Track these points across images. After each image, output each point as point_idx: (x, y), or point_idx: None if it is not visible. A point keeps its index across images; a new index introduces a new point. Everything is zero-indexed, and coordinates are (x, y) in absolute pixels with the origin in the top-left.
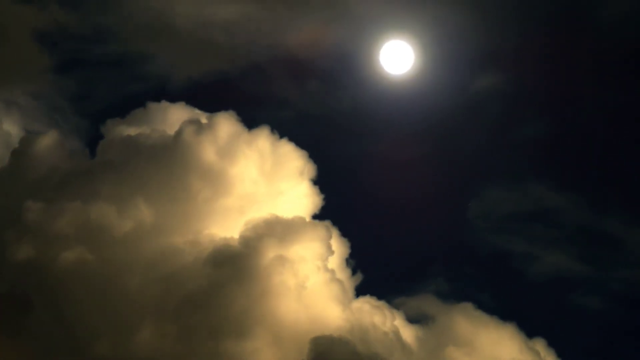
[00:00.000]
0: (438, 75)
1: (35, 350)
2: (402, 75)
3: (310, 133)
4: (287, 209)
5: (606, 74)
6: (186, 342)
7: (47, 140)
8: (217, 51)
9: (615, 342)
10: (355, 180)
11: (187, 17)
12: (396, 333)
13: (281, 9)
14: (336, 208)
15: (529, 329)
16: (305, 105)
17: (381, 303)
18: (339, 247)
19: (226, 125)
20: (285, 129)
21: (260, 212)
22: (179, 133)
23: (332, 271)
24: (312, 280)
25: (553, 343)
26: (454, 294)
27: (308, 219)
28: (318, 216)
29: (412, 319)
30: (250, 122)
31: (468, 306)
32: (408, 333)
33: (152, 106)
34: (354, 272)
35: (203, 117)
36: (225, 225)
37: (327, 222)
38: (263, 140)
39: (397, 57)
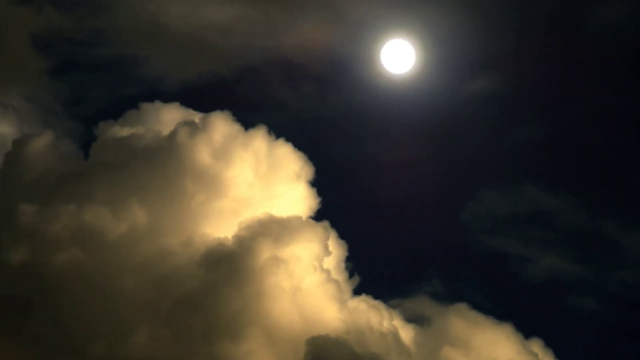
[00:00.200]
0: (437, 75)
1: (34, 351)
2: (402, 74)
3: (307, 135)
4: (283, 211)
5: (603, 76)
6: (181, 344)
7: (41, 143)
8: (212, 53)
9: (611, 343)
10: (352, 182)
11: (181, 19)
12: (394, 333)
13: (277, 11)
14: (333, 210)
15: (526, 330)
16: (302, 107)
17: (378, 303)
18: (336, 249)
19: (222, 125)
20: (282, 131)
21: (256, 214)
22: (173, 134)
23: (328, 271)
24: (308, 281)
25: (550, 343)
26: (450, 295)
27: (305, 218)
28: (315, 218)
29: (408, 320)
30: (246, 122)
31: (464, 307)
32: (405, 333)
33: (146, 107)
34: (351, 275)
35: (197, 118)
36: (221, 227)
37: (325, 223)
38: (259, 141)
39: (398, 57)
